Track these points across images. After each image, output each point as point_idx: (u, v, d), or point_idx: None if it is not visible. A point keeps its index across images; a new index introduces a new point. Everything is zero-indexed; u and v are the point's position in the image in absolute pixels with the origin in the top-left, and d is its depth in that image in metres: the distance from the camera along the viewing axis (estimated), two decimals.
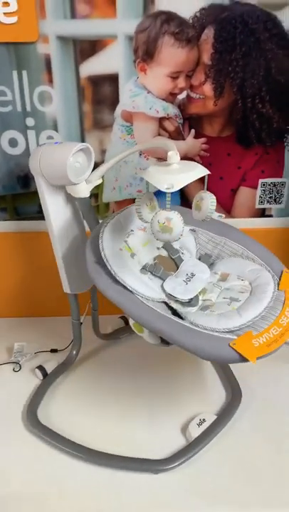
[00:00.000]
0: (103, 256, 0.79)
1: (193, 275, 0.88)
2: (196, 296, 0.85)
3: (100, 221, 0.93)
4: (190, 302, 0.84)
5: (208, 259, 0.92)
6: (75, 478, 0.83)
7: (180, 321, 0.77)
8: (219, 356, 0.72)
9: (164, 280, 0.87)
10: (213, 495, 0.80)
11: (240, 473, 0.84)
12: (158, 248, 0.92)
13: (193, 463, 0.85)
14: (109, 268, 0.78)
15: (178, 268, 0.91)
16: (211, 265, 0.91)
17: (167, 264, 0.91)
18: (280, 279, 0.84)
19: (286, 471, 0.84)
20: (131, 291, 0.78)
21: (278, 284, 0.83)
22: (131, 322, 0.82)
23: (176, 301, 0.84)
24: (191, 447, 0.87)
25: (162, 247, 0.93)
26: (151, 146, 0.98)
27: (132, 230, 0.91)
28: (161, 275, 0.87)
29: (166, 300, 0.84)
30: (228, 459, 0.86)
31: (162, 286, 0.86)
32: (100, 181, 0.87)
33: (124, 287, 0.77)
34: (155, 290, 0.84)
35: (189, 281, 0.87)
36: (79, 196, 0.87)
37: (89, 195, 0.88)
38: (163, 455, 0.86)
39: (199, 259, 0.93)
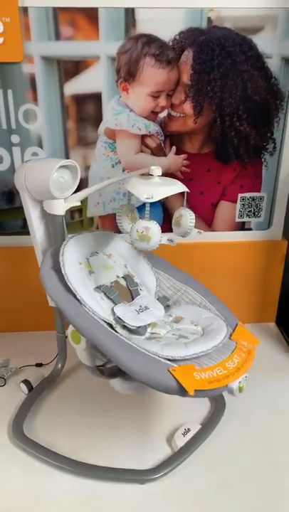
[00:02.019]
0: (61, 262, 0.79)
1: (146, 308, 0.87)
2: (145, 327, 0.84)
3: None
4: (137, 330, 0.83)
5: (165, 301, 0.92)
6: (61, 491, 0.83)
7: (124, 338, 0.76)
8: (155, 379, 0.70)
9: (115, 304, 0.85)
10: (199, 504, 0.81)
11: (225, 481, 0.85)
12: (118, 276, 0.92)
13: (179, 472, 0.86)
14: (64, 273, 0.77)
15: (133, 300, 0.90)
16: (166, 307, 0.91)
17: (123, 293, 0.89)
18: (233, 331, 0.83)
19: (270, 480, 0.85)
20: (80, 302, 0.77)
21: (231, 334, 0.82)
22: (69, 330, 0.80)
23: (124, 327, 0.82)
24: (177, 456, 0.88)
25: (122, 276, 0.92)
26: (135, 175, 0.97)
27: (96, 252, 0.91)
28: (114, 298, 0.85)
29: (114, 323, 0.82)
30: (213, 467, 0.87)
31: (112, 309, 0.84)
32: (77, 204, 0.87)
33: (75, 297, 0.77)
34: (104, 310, 0.82)
35: (142, 311, 0.85)
36: (54, 213, 0.86)
37: (64, 213, 0.88)
38: (149, 465, 0.87)
39: (157, 299, 0.93)
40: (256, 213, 1.22)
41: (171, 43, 1.04)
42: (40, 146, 1.11)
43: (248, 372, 0.76)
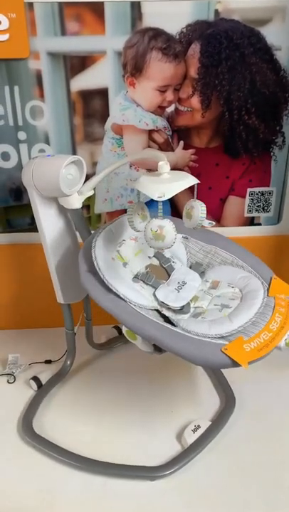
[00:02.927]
0: (96, 265, 0.81)
1: (184, 283, 0.89)
2: (188, 304, 0.87)
3: (92, 232, 0.94)
4: (182, 309, 0.85)
5: (198, 268, 0.94)
6: (70, 488, 0.83)
7: (172, 327, 0.78)
8: (211, 361, 0.74)
9: (156, 288, 0.88)
10: (209, 501, 0.81)
11: (235, 478, 0.84)
12: (149, 257, 0.94)
13: (188, 469, 0.86)
14: (102, 277, 0.79)
15: (169, 276, 0.92)
16: (201, 273, 0.93)
17: (159, 272, 0.92)
18: (269, 286, 0.86)
19: (281, 476, 0.85)
20: (124, 300, 0.79)
21: (268, 290, 0.85)
22: (124, 330, 0.83)
23: (169, 308, 0.85)
24: (187, 453, 0.87)
25: (154, 256, 0.94)
26: (141, 157, 1.01)
27: (123, 240, 0.92)
28: (153, 283, 0.89)
29: (159, 308, 0.85)
30: (223, 464, 0.87)
31: (154, 294, 0.87)
32: (91, 193, 0.89)
33: (117, 295, 0.79)
34: (147, 298, 0.85)
35: (181, 289, 0.88)
36: (71, 207, 0.89)
37: (81, 206, 0.90)
38: (159, 462, 0.86)
39: (190, 267, 0.95)
40: (265, 208, 1.21)
41: (178, 37, 1.02)
42: (47, 142, 1.11)
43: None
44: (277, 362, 1.13)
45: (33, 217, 0.94)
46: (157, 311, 0.85)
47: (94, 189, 0.90)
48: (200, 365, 0.79)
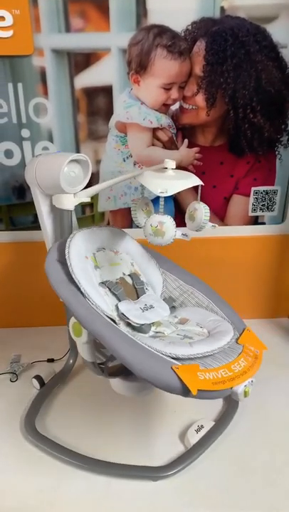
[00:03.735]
0: (66, 253, 0.78)
1: (152, 307, 0.85)
2: (149, 325, 0.83)
3: None
4: (141, 327, 0.81)
5: (171, 302, 0.91)
6: (73, 487, 0.83)
7: (127, 333, 0.74)
8: (157, 377, 0.68)
9: (120, 300, 0.84)
10: (212, 500, 0.80)
11: (239, 478, 0.84)
12: (124, 273, 0.90)
13: (192, 469, 0.85)
14: (69, 265, 0.76)
15: (138, 298, 0.88)
16: (172, 308, 0.90)
17: (129, 290, 0.88)
18: (240, 335, 0.81)
19: (285, 476, 0.84)
20: (83, 295, 0.75)
21: (238, 338, 0.80)
22: (71, 322, 0.79)
23: (128, 324, 0.81)
24: (190, 454, 0.87)
25: (129, 274, 0.91)
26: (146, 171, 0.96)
27: (103, 248, 0.90)
28: (119, 295, 0.84)
29: (117, 320, 0.80)
30: (226, 464, 0.87)
31: (117, 305, 0.83)
32: (87, 199, 0.86)
33: (78, 289, 0.76)
34: (108, 305, 0.81)
35: (146, 310, 0.84)
36: (63, 208, 0.86)
37: (73, 209, 0.87)
38: (162, 462, 0.86)
39: (163, 300, 0.91)
40: (270, 207, 1.20)
41: (183, 34, 1.02)
42: (51, 140, 1.10)
43: (254, 378, 0.73)
44: (281, 362, 1.13)
45: (36, 216, 0.93)
46: (114, 322, 0.79)
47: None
48: (143, 377, 0.67)
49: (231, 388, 0.70)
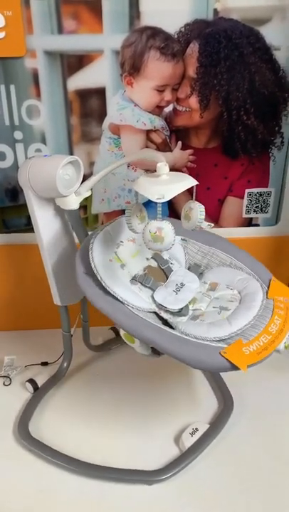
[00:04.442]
0: (93, 267, 0.80)
1: (182, 285, 0.89)
2: (186, 306, 0.86)
3: (90, 233, 0.93)
4: (180, 312, 0.85)
5: (197, 269, 0.93)
6: (67, 492, 0.82)
7: (171, 330, 0.78)
8: (210, 365, 0.73)
9: (154, 290, 0.87)
10: (208, 504, 0.80)
11: (234, 481, 0.84)
12: (147, 259, 0.93)
13: (187, 472, 0.85)
14: (99, 278, 0.78)
15: (167, 278, 0.91)
16: (200, 275, 0.92)
17: (157, 274, 0.91)
18: (268, 288, 0.85)
19: (280, 478, 0.84)
20: (121, 302, 0.78)
21: (267, 292, 0.84)
22: (122, 332, 0.82)
23: (167, 311, 0.84)
24: (185, 457, 0.87)
25: (152, 257, 0.93)
26: (140, 157, 1.00)
27: (121, 241, 0.91)
28: (151, 286, 0.88)
29: (157, 310, 0.84)
30: (222, 467, 0.86)
31: (152, 296, 0.86)
32: (89, 193, 0.88)
33: (115, 298, 0.78)
34: (145, 300, 0.84)
35: (179, 291, 0.87)
36: (68, 208, 0.88)
37: (78, 207, 0.89)
38: (156, 466, 0.86)
39: (188, 269, 0.94)
40: (264, 209, 1.20)
41: (176, 36, 1.01)
42: (44, 142, 1.09)
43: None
44: (276, 364, 1.12)
45: (29, 218, 0.93)
46: (155, 313, 0.84)
47: (91, 189, 0.89)
48: (199, 368, 0.78)
49: (274, 349, 0.74)
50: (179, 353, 0.73)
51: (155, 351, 0.82)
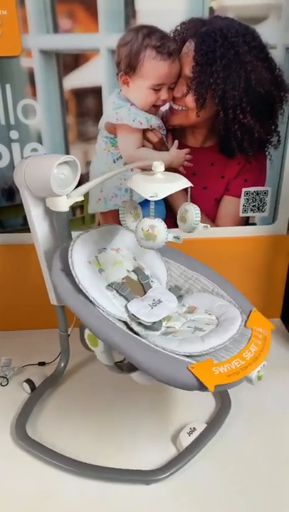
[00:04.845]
0: (70, 263, 0.78)
1: (160, 301, 0.86)
2: (160, 321, 0.84)
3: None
4: (153, 325, 0.82)
5: (177, 291, 0.91)
6: (65, 492, 0.82)
7: (139, 338, 0.75)
8: (175, 378, 0.69)
9: (128, 301, 0.84)
10: (205, 503, 0.80)
11: (232, 480, 0.84)
12: (128, 271, 0.91)
13: (185, 472, 0.85)
14: (74, 275, 0.76)
15: (145, 293, 0.89)
16: (179, 297, 0.90)
17: (135, 287, 0.89)
18: (248, 318, 0.83)
19: (278, 477, 0.84)
20: (93, 303, 0.76)
21: (246, 321, 0.82)
22: (86, 333, 0.80)
23: (139, 323, 0.82)
24: (182, 456, 0.87)
25: (133, 270, 0.91)
26: (139, 166, 0.97)
27: (104, 248, 0.90)
28: (126, 295, 0.85)
29: (128, 321, 0.81)
30: (219, 466, 0.86)
31: (126, 306, 0.83)
32: (80, 198, 0.86)
33: (87, 298, 0.76)
34: (118, 308, 0.81)
35: (155, 306, 0.85)
36: (58, 210, 0.86)
37: (68, 210, 0.87)
38: (154, 465, 0.85)
39: (169, 290, 0.92)
40: (260, 208, 1.20)
41: (172, 35, 1.01)
42: (40, 141, 1.09)
43: (266, 360, 0.75)
44: (273, 364, 1.12)
45: (25, 218, 0.92)
46: (126, 324, 0.81)
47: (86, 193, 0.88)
48: (163, 380, 0.70)
49: (245, 376, 0.72)
50: (143, 361, 0.70)
51: (118, 365, 0.80)
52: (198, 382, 0.67)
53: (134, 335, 0.76)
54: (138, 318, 0.81)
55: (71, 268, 0.77)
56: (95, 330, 0.74)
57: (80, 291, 0.76)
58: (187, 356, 0.72)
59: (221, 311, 0.85)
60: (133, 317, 0.81)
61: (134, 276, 0.90)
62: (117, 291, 0.84)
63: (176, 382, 0.70)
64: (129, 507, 0.79)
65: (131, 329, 0.80)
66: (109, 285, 0.85)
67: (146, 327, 0.82)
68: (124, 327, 0.78)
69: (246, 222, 1.22)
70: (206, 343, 0.75)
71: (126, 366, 0.84)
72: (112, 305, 0.80)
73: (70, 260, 0.78)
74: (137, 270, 0.91)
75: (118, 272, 0.89)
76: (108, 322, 0.75)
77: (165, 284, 0.93)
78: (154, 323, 0.82)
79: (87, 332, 0.79)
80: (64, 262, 0.79)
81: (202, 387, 0.68)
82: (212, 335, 0.78)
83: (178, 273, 0.94)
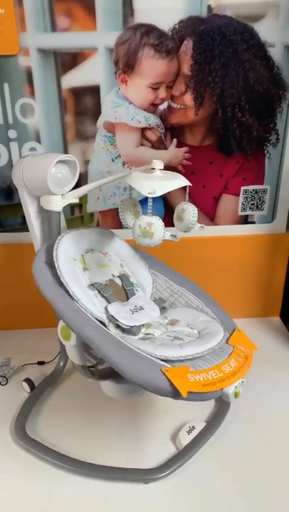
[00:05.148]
0: (54, 255, 0.77)
1: (141, 308, 0.84)
2: (139, 327, 0.82)
3: None
4: (131, 329, 0.81)
5: (161, 303, 0.90)
6: (64, 491, 0.82)
7: (116, 336, 0.74)
8: (146, 380, 0.67)
9: (109, 302, 0.83)
10: (204, 502, 0.80)
11: (231, 479, 0.84)
12: (113, 275, 0.90)
13: (184, 471, 0.85)
14: (57, 267, 0.75)
15: (128, 300, 0.88)
16: (162, 309, 0.89)
17: (118, 292, 0.87)
18: (230, 335, 0.81)
19: (277, 476, 0.84)
20: (73, 298, 0.75)
21: (228, 339, 0.80)
22: (60, 325, 0.78)
23: (117, 326, 0.80)
24: (182, 455, 0.86)
25: (118, 276, 0.90)
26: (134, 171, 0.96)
27: (92, 250, 0.89)
28: (108, 297, 0.83)
29: (106, 322, 0.80)
30: (218, 465, 0.86)
31: (106, 307, 0.82)
32: (76, 200, 0.85)
33: (67, 292, 0.75)
34: (97, 308, 0.80)
35: (136, 312, 0.83)
36: (51, 209, 0.85)
37: (61, 210, 0.86)
38: (153, 464, 0.85)
39: (153, 301, 0.90)
40: (259, 206, 1.20)
41: (170, 33, 1.01)
42: (38, 140, 1.09)
43: (245, 378, 0.73)
44: (272, 362, 1.13)
45: (24, 217, 0.92)
46: (103, 324, 0.78)
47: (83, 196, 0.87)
48: (133, 381, 0.67)
49: (222, 389, 0.70)
50: (117, 358, 0.67)
51: (90, 370, 0.79)
52: (171, 386, 0.65)
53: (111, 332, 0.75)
54: (117, 320, 0.80)
55: (54, 260, 0.76)
56: (69, 322, 0.72)
57: (61, 284, 0.75)
58: (163, 360, 0.71)
59: (204, 326, 0.83)
60: (112, 318, 0.80)
61: (118, 282, 0.89)
62: (99, 292, 0.83)
63: (148, 383, 0.67)
64: (128, 506, 0.79)
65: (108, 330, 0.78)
66: (91, 284, 0.84)
67: (124, 330, 0.81)
68: (100, 325, 0.77)
69: (245, 220, 1.22)
70: (183, 350, 0.73)
71: (98, 372, 0.83)
72: (91, 304, 0.79)
73: (54, 252, 0.77)
74: (123, 277, 0.90)
75: (103, 274, 0.88)
76: (85, 317, 0.73)
77: (150, 295, 0.92)
78: (133, 327, 0.81)
79: (61, 324, 0.77)
80: (49, 255, 0.78)
81: (175, 393, 0.65)
82: (192, 344, 0.76)
83: (164, 286, 0.93)
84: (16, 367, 1.12)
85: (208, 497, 0.80)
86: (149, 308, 0.86)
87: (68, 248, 0.82)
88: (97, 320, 0.77)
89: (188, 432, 0.90)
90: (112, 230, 0.94)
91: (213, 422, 0.94)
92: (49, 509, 0.79)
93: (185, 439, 0.89)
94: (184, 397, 0.65)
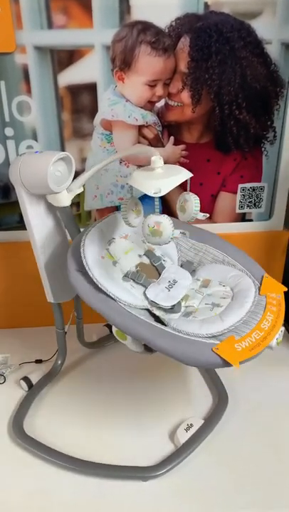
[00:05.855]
0: (85, 264, 0.79)
1: (175, 282, 0.89)
2: (179, 303, 0.86)
3: (82, 229, 0.93)
4: (173, 309, 0.85)
5: (190, 266, 0.93)
6: (62, 489, 0.82)
7: (162, 327, 0.77)
8: (202, 361, 0.73)
9: (146, 287, 0.87)
10: (203, 500, 0.80)
11: (229, 477, 0.84)
12: (140, 256, 0.93)
13: (182, 468, 0.85)
14: (91, 275, 0.78)
15: (160, 275, 0.91)
16: (192, 272, 0.92)
17: (149, 271, 0.91)
18: (260, 284, 0.85)
19: (276, 473, 0.85)
20: (113, 299, 0.78)
21: (259, 289, 0.84)
22: (114, 329, 0.82)
23: (159, 307, 0.84)
24: (180, 453, 0.87)
25: (144, 254, 0.93)
26: (132, 153, 0.99)
27: (113, 238, 0.91)
28: (143, 282, 0.87)
29: (149, 307, 0.84)
30: (217, 463, 0.86)
31: (145, 293, 0.86)
32: (81, 190, 0.87)
33: (107, 295, 0.77)
34: (137, 297, 0.84)
35: (171, 287, 0.87)
36: (60, 205, 0.87)
37: (70, 203, 0.88)
38: (151, 462, 0.86)
39: (181, 266, 0.94)
40: (257, 204, 1.20)
41: (167, 30, 1.01)
42: (35, 138, 1.09)
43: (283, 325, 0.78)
44: (271, 359, 1.12)
45: (21, 215, 0.92)
46: (148, 310, 0.84)
47: (83, 186, 0.88)
48: (191, 365, 0.77)
49: (266, 347, 0.74)
50: (171, 349, 0.73)
51: (148, 348, 0.82)
52: (224, 361, 0.70)
53: (158, 324, 0.78)
54: (158, 304, 0.84)
55: (86, 268, 0.79)
56: (118, 326, 0.77)
57: (99, 289, 0.77)
58: (210, 337, 0.75)
59: (235, 282, 0.87)
60: (153, 303, 0.84)
61: (146, 261, 0.92)
62: (134, 280, 0.87)
63: (203, 364, 0.78)
64: (126, 503, 0.79)
65: (153, 315, 0.83)
66: (125, 275, 0.87)
67: (166, 310, 0.84)
68: (146, 315, 0.81)
69: (243, 218, 1.22)
70: (225, 322, 0.77)
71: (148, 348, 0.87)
72: (131, 296, 0.82)
73: (84, 261, 0.79)
74: (148, 253, 0.93)
75: (131, 259, 0.91)
76: (131, 316, 0.77)
77: (177, 260, 0.95)
78: (174, 305, 0.85)
79: (114, 328, 0.81)
80: (78, 261, 0.81)
81: (228, 364, 0.71)
82: (230, 312, 0.80)
83: (187, 247, 0.95)
84: (14, 365, 1.12)
85: (207, 494, 0.81)
86: (181, 278, 0.89)
87: (93, 249, 0.83)
88: (142, 309, 0.81)
89: (186, 430, 0.90)
90: (116, 213, 0.95)
91: (211, 419, 0.94)
92: (48, 507, 0.79)
93: (183, 436, 0.89)
94: (238, 367, 0.70)
